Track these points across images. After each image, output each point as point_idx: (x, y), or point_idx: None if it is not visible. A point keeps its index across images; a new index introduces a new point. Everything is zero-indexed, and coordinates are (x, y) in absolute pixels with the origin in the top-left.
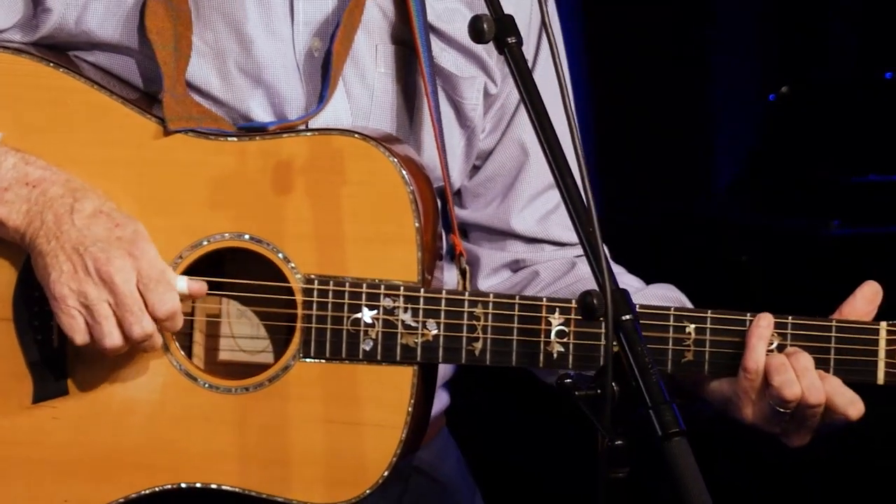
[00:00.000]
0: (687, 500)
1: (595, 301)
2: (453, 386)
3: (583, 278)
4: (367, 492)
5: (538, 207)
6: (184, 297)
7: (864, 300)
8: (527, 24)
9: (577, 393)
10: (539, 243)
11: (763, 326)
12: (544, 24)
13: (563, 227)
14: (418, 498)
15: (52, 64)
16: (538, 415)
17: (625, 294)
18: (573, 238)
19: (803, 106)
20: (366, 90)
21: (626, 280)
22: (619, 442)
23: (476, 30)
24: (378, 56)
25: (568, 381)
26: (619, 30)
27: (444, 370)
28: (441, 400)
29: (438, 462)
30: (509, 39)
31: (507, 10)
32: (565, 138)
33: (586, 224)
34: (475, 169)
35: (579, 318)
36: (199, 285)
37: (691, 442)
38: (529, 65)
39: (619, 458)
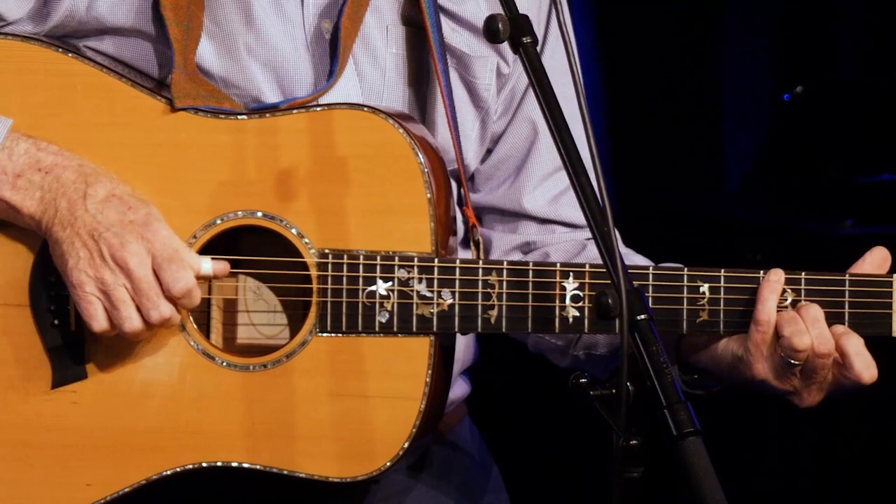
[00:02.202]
0: (701, 500)
1: (610, 301)
2: (476, 376)
3: (592, 260)
4: (388, 464)
5: (550, 187)
6: (207, 278)
7: (873, 265)
8: (536, 9)
9: (591, 392)
10: (550, 224)
11: (773, 280)
12: (559, 23)
13: (574, 208)
14: (440, 472)
15: (60, 49)
16: (562, 404)
17: (640, 293)
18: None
19: (817, 105)
20: (377, 71)
21: (635, 260)
22: (634, 441)
23: (491, 30)
24: (389, 36)
25: (583, 380)
26: (631, 30)
27: (465, 357)
28: (462, 387)
29: (461, 450)
30: (525, 39)
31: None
32: (580, 139)
33: (601, 224)
34: (488, 153)
35: (594, 281)
36: (222, 265)
37: (705, 441)
38: (538, 48)
39: (633, 457)
